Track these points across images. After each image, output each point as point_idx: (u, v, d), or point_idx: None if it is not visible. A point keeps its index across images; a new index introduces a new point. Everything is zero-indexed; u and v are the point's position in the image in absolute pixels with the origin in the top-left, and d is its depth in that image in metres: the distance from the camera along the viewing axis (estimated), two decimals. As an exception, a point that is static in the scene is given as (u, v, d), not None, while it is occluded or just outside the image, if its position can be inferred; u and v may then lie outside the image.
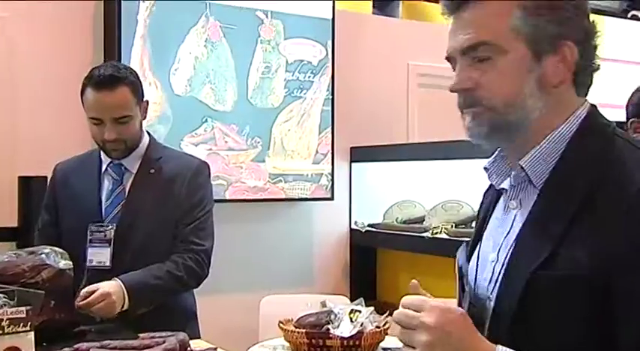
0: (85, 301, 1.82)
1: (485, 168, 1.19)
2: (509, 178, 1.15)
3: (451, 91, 1.09)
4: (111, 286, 1.88)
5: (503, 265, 1.07)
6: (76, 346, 1.54)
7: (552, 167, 1.07)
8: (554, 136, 1.08)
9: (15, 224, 3.31)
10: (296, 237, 4.03)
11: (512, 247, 1.07)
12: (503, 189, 1.15)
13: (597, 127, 1.09)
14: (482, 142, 1.11)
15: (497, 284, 1.07)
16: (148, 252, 2.05)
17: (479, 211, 1.31)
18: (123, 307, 1.90)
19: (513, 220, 1.11)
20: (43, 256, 1.74)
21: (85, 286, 1.88)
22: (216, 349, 1.62)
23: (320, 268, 4.11)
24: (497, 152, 1.18)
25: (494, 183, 1.17)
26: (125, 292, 1.90)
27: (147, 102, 2.13)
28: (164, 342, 1.55)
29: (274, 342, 2.77)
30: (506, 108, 1.06)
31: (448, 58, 1.12)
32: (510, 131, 1.08)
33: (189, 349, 1.60)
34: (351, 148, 4.18)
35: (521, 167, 1.08)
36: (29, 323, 1.47)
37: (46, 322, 1.65)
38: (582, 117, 1.09)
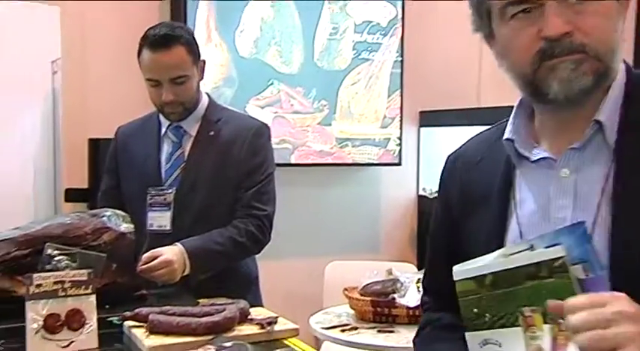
0: (146, 266, 1.81)
1: (508, 139, 1.06)
2: (534, 149, 1.04)
3: (545, 38, 0.95)
4: (173, 253, 1.85)
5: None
6: (136, 310, 1.53)
7: (617, 120, 0.98)
8: (615, 86, 1.00)
9: (86, 185, 3.37)
10: (362, 203, 3.98)
11: (608, 214, 0.94)
12: (545, 158, 1.03)
13: None
14: (580, 96, 0.96)
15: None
16: (208, 215, 2.02)
17: (466, 193, 1.15)
18: (184, 272, 1.88)
19: (575, 187, 0.99)
20: (105, 218, 1.72)
21: (146, 251, 1.86)
22: (277, 317, 1.58)
23: (386, 234, 4.06)
24: (512, 119, 1.08)
25: (524, 154, 1.05)
26: (187, 258, 1.88)
27: (204, 62, 2.07)
28: (224, 310, 1.51)
29: (339, 309, 2.75)
30: (607, 54, 0.96)
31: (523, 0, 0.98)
32: (608, 81, 0.97)
33: (249, 317, 1.57)
34: (420, 112, 4.09)
35: (598, 122, 0.97)
36: (90, 286, 1.47)
37: (108, 286, 1.64)
38: (624, 66, 1.02)
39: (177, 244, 1.89)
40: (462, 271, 0.98)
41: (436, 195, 4.29)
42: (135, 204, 2.02)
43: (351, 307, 2.64)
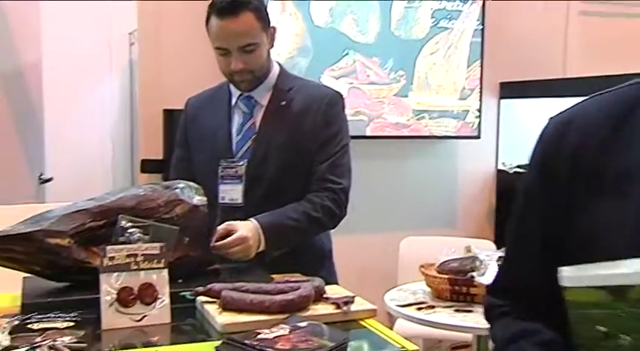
0: (221, 243, 1.76)
1: None
2: None
3: None
4: (248, 229, 1.81)
5: None
6: (209, 286, 1.49)
7: None
8: None
9: (161, 156, 3.39)
10: (439, 177, 3.88)
11: None
12: None
13: None
14: None
15: None
16: (280, 188, 1.96)
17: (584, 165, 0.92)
18: (259, 249, 1.84)
19: None
20: (178, 190, 1.68)
21: (219, 225, 1.82)
22: (354, 297, 1.51)
23: (463, 209, 3.96)
24: None
25: None
26: (261, 234, 1.83)
27: (274, 29, 2.00)
28: (299, 287, 1.46)
29: (414, 286, 2.67)
30: None
31: None
32: None
33: (325, 295, 1.51)
34: (501, 83, 3.94)
35: None
36: (163, 260, 1.44)
37: (181, 259, 1.61)
38: None
39: (252, 219, 1.84)
40: (581, 276, 0.78)
41: (517, 170, 4.00)
42: (206, 176, 1.98)
43: (428, 285, 2.55)
